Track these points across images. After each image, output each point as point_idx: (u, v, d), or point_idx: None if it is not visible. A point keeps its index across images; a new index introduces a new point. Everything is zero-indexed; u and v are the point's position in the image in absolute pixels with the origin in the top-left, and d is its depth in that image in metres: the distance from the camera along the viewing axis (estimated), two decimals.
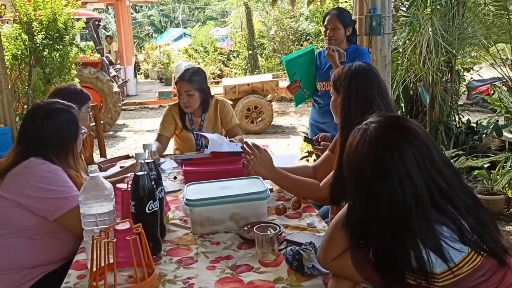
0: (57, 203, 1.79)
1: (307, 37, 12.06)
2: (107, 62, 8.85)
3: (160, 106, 10.40)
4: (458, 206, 1.23)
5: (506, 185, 3.85)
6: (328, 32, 3.28)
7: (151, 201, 1.63)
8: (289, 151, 7.06)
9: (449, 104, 5.29)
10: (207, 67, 13.89)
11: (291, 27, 11.61)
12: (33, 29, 6.19)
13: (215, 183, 1.98)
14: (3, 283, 1.80)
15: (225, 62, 14.17)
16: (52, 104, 1.99)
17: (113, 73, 9.12)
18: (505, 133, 4.76)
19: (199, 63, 13.98)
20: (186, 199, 1.83)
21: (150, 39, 22.39)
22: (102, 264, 1.48)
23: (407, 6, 5.52)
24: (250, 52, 12.14)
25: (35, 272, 1.84)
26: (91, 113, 2.58)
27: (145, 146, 1.76)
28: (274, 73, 10.40)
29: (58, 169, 1.86)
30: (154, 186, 1.65)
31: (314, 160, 4.49)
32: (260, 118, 8.39)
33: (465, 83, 7.20)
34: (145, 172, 1.62)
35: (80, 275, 1.58)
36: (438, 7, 4.72)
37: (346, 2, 9.31)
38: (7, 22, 6.72)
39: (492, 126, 4.82)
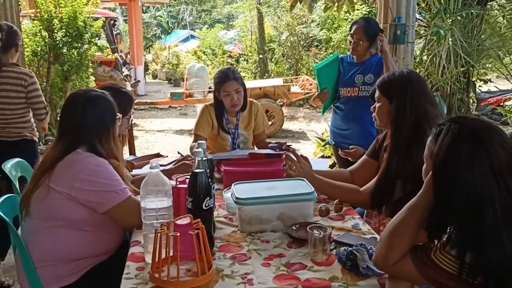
0: (106, 196, 1.83)
1: (317, 44, 12.14)
2: (121, 61, 8.91)
3: (170, 106, 10.44)
4: None
5: None
6: (352, 43, 3.32)
7: (208, 198, 1.67)
8: None
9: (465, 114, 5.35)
10: (215, 70, 13.96)
11: (302, 33, 11.68)
12: (53, 27, 6.25)
13: (262, 183, 2.03)
14: (55, 273, 1.84)
15: (234, 65, 14.24)
16: (90, 92, 2.05)
17: (125, 72, 9.18)
18: None
19: (207, 65, 14.04)
20: (236, 197, 1.88)
21: (157, 40, 22.45)
22: (161, 257, 1.53)
23: (424, 15, 5.61)
24: (260, 56, 12.20)
25: (85, 263, 1.88)
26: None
27: (200, 144, 1.81)
28: (284, 78, 10.46)
29: (105, 162, 1.89)
30: (211, 183, 1.70)
31: (334, 163, 4.53)
32: (271, 122, 8.43)
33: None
34: (203, 170, 1.67)
35: (139, 267, 1.62)
36: (459, 18, 4.79)
37: (358, 10, 9.40)
38: (27, 18, 6.78)
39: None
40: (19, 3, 5.52)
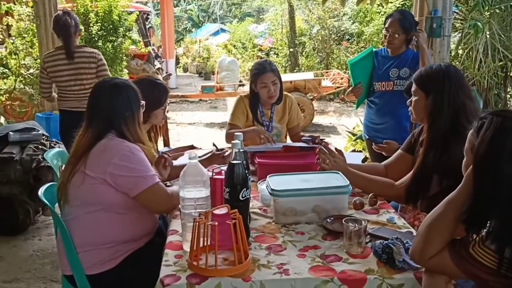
0: (135, 180, 1.89)
1: (348, 38, 11.99)
2: (153, 54, 9.04)
3: (201, 100, 10.53)
4: None
5: None
6: (388, 36, 3.28)
7: (245, 189, 1.70)
8: None
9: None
10: (245, 63, 13.98)
11: (333, 26, 11.57)
12: (89, 20, 6.39)
13: (297, 176, 2.04)
14: (96, 258, 1.91)
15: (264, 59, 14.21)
16: (115, 79, 2.13)
17: (157, 65, 9.31)
18: None
19: (238, 59, 14.08)
20: (271, 189, 1.90)
21: (187, 34, 22.63)
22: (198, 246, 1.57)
23: (459, 8, 5.49)
24: (291, 49, 12.14)
25: (123, 248, 1.95)
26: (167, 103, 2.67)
27: (237, 136, 1.83)
28: (315, 71, 10.39)
29: (136, 147, 1.96)
30: (248, 174, 1.72)
31: (366, 158, 4.50)
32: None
33: None
34: (240, 161, 1.69)
35: (177, 255, 1.67)
36: (497, 11, 4.66)
37: (392, 2, 9.24)
38: None
39: None
40: None
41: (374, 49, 3.55)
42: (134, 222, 1.98)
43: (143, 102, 2.13)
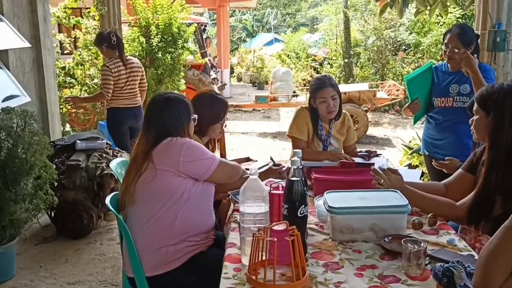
0: (207, 162, 2.10)
1: (405, 48, 11.77)
2: (209, 64, 9.25)
3: (254, 109, 10.65)
4: None
5: None
6: (448, 51, 3.21)
7: (303, 206, 1.73)
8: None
9: None
10: (298, 73, 14.01)
11: (390, 37, 11.39)
12: (150, 33, 6.65)
13: (354, 193, 2.05)
14: (160, 257, 2.02)
15: (318, 69, 14.18)
16: (168, 94, 2.30)
17: (213, 75, 9.51)
18: None
19: (291, 69, 14.13)
20: (329, 206, 1.91)
21: (242, 43, 22.97)
22: (257, 260, 1.61)
23: None
24: (345, 60, 12.06)
25: (185, 248, 2.05)
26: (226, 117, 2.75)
27: (296, 153, 1.86)
28: (370, 82, 10.26)
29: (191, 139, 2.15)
30: (306, 191, 1.75)
31: (422, 173, 4.39)
32: (355, 127, 8.32)
33: None
34: (299, 178, 1.72)
35: (236, 268, 1.71)
36: None
37: (451, 13, 9.00)
38: (126, 25, 7.26)
39: None
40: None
41: (433, 65, 3.49)
42: (194, 215, 2.09)
43: (194, 116, 2.28)
